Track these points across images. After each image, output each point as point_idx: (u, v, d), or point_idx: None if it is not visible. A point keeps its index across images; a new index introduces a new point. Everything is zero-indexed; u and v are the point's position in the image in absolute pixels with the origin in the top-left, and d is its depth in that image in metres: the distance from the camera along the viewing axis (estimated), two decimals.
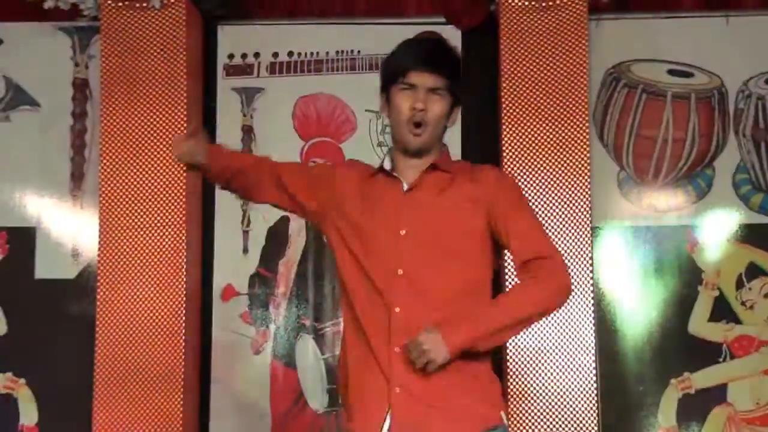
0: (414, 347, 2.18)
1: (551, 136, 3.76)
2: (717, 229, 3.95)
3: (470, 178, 2.39)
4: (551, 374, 3.67)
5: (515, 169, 3.73)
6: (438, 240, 2.31)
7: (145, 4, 3.76)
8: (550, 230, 3.44)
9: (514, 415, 3.66)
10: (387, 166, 2.39)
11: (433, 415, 2.25)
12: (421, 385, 2.24)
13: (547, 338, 3.69)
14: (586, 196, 3.75)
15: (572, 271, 3.55)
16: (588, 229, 3.76)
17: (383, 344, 2.28)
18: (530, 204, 2.44)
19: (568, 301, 3.32)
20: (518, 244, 2.28)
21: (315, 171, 2.59)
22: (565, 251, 3.64)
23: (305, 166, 2.68)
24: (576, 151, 3.74)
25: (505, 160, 3.74)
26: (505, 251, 2.34)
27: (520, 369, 3.67)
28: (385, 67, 2.42)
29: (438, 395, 2.26)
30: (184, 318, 3.69)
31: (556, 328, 3.67)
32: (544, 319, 2.34)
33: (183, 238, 3.70)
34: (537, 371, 3.69)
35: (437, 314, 2.25)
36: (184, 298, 3.71)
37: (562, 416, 3.69)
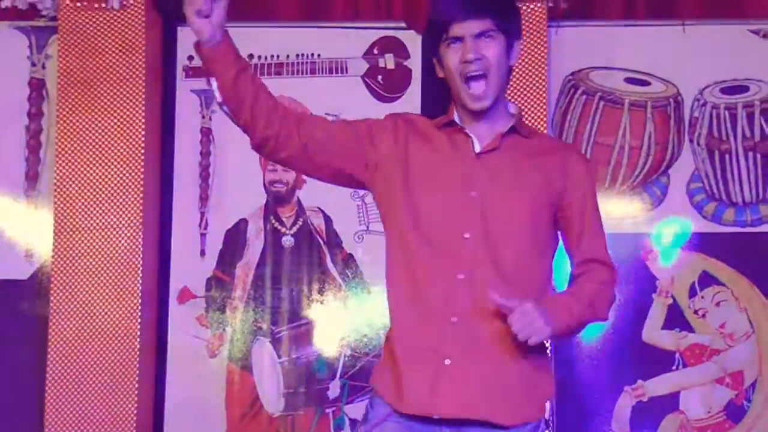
0: (524, 316, 2.06)
1: None
2: (671, 238, 3.94)
3: (550, 149, 2.29)
4: None
5: None
6: (512, 208, 2.20)
7: (103, 5, 3.72)
8: None
9: None
10: (456, 119, 2.25)
11: (481, 390, 2.17)
12: (475, 356, 2.16)
13: None
14: None
15: None
16: None
17: (440, 313, 2.18)
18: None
19: None
20: (588, 240, 2.23)
21: (363, 125, 2.33)
22: None
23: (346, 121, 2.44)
24: None
25: None
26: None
27: None
28: (427, 29, 2.28)
29: (489, 374, 2.17)
30: (139, 320, 3.68)
31: None
32: None
33: (139, 239, 3.70)
34: None
35: (503, 285, 2.15)
36: (140, 300, 3.70)
37: None
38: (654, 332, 3.87)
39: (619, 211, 3.89)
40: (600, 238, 2.27)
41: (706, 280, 3.88)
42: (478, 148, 2.22)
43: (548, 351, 2.33)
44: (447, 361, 2.14)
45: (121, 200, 3.65)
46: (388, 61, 3.97)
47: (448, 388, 2.15)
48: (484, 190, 2.18)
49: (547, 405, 2.25)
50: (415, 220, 2.19)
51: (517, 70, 3.70)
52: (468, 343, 2.14)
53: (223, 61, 2.09)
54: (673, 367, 3.85)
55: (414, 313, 2.19)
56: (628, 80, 3.93)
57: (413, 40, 3.94)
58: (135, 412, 3.62)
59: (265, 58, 3.87)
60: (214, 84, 2.12)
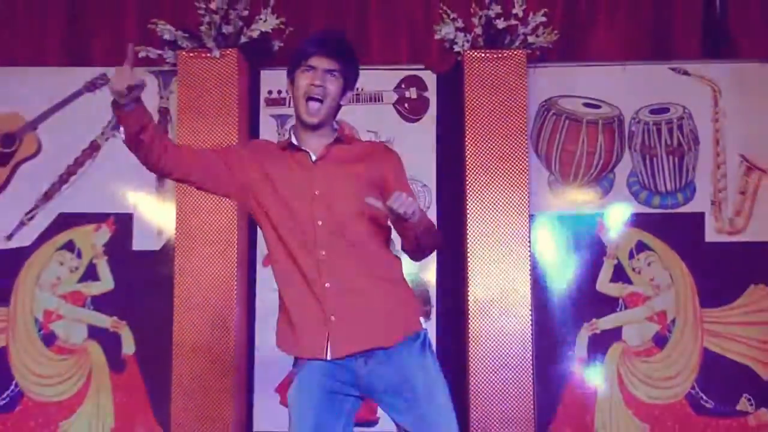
0: (398, 197, 2.26)
1: (501, 150, 4.27)
2: (616, 217, 4.41)
3: (366, 150, 2.53)
4: (500, 319, 4.19)
5: (475, 173, 4.22)
6: (345, 197, 2.43)
7: (209, 55, 4.29)
8: (498, 217, 4.18)
9: (475, 348, 4.08)
10: (294, 141, 2.46)
11: (362, 329, 2.41)
12: (350, 308, 2.40)
13: (498, 294, 4.20)
14: (526, 192, 4.24)
15: (514, 246, 4.15)
16: (526, 216, 4.24)
17: (316, 282, 2.39)
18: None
19: (513, 268, 3.98)
20: None
21: (234, 153, 2.51)
22: (509, 232, 4.21)
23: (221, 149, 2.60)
24: (519, 160, 4.28)
25: (468, 167, 4.23)
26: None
27: (478, 315, 4.19)
28: (292, 56, 2.48)
29: (363, 311, 2.40)
30: (236, 279, 4.21)
31: (503, 287, 4.18)
32: (428, 251, 2.54)
33: (234, 219, 4.23)
34: (491, 317, 4.18)
35: (355, 252, 2.42)
36: (236, 264, 4.22)
37: (508, 350, 4.19)
38: (604, 284, 4.36)
39: (580, 198, 4.42)
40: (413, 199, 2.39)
41: (641, 247, 4.35)
42: (314, 158, 2.46)
43: (402, 273, 2.56)
44: (331, 318, 2.38)
45: None
46: (412, 93, 4.44)
47: (335, 336, 2.39)
48: (324, 187, 2.43)
49: (421, 319, 2.51)
50: (283, 218, 2.42)
51: (506, 98, 4.27)
52: (342, 300, 2.38)
53: (133, 121, 2.32)
54: (618, 309, 4.34)
55: (296, 288, 2.41)
56: (585, 104, 4.42)
57: (430, 78, 4.47)
58: (233, 345, 4.18)
59: None
60: (122, 130, 2.38)
